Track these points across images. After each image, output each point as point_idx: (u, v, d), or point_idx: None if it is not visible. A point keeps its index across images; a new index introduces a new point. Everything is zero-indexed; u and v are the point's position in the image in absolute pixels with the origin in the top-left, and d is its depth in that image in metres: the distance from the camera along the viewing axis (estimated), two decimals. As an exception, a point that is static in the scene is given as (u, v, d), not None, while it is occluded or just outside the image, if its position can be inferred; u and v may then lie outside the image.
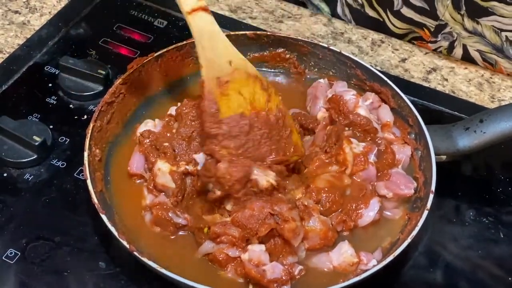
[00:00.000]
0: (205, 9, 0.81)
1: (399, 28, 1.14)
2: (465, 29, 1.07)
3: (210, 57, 0.81)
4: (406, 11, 1.10)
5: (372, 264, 0.79)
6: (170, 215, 0.82)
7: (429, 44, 1.13)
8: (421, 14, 1.09)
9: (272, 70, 1.02)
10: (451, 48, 1.11)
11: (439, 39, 1.11)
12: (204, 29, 0.81)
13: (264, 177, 0.81)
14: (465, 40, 1.09)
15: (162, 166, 0.84)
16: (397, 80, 1.04)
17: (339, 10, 1.16)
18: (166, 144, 0.86)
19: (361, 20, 1.16)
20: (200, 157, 0.84)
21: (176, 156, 0.85)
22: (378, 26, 1.15)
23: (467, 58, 1.12)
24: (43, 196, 0.87)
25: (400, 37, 1.15)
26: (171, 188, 0.84)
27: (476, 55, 1.11)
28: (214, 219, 0.81)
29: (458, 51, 1.11)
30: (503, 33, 1.05)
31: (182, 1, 0.80)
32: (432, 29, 1.10)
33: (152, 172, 0.85)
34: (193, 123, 0.87)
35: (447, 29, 1.09)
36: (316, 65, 1.01)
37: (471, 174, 0.96)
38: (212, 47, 0.81)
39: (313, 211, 0.82)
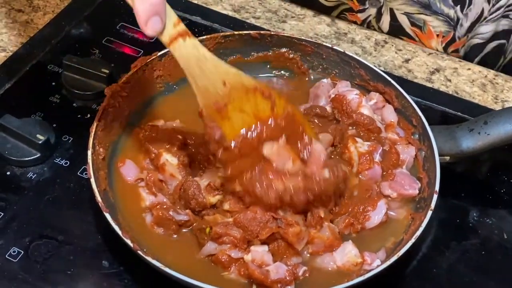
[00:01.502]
0: (184, 34, 0.75)
1: (329, 1, 1.14)
2: None
3: (203, 83, 0.77)
4: None
5: (376, 264, 0.79)
6: (171, 213, 0.82)
7: (359, 15, 1.14)
8: None
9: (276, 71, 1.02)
10: (379, 15, 1.12)
11: (366, 7, 1.12)
12: (189, 56, 0.76)
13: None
14: (392, 3, 1.10)
15: (169, 158, 0.85)
16: (400, 80, 1.04)
17: None
18: (179, 136, 0.87)
19: None
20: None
21: (181, 146, 0.86)
22: (310, 0, 1.15)
23: (395, 27, 1.13)
24: (47, 194, 0.87)
25: (331, 10, 1.15)
26: (177, 179, 0.84)
27: (403, 20, 1.11)
28: (216, 220, 0.81)
29: (385, 19, 1.12)
30: None
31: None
32: None
33: (156, 165, 0.85)
34: None
35: None
36: (319, 65, 1.01)
37: (475, 175, 0.96)
38: (203, 72, 0.76)
39: (325, 220, 0.81)
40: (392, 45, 1.13)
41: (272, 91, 0.80)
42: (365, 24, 1.15)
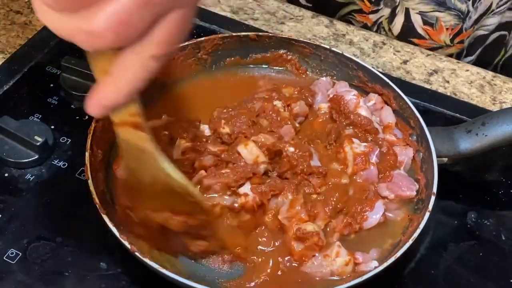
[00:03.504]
0: (136, 126, 0.67)
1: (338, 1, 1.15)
2: None
3: (132, 167, 0.74)
4: None
5: (373, 265, 0.79)
6: None
7: (370, 16, 1.14)
8: None
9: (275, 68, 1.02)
10: (392, 16, 1.12)
11: (380, 7, 1.12)
12: (130, 142, 0.70)
13: None
14: (408, 3, 1.10)
15: None
16: (398, 81, 1.04)
17: None
18: (165, 132, 0.87)
19: None
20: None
21: (168, 141, 0.87)
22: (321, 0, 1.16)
23: (407, 28, 1.12)
24: (45, 196, 0.87)
25: (340, 7, 1.15)
26: None
27: (417, 20, 1.11)
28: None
29: (399, 20, 1.12)
30: None
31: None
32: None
33: None
34: None
35: None
36: (318, 67, 1.01)
37: (473, 176, 0.96)
38: (138, 160, 0.71)
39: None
40: (390, 47, 1.13)
41: (209, 214, 0.77)
42: (376, 25, 1.15)
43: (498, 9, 1.08)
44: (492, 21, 1.09)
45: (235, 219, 0.81)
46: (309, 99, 0.94)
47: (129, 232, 0.78)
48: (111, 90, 0.62)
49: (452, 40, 1.13)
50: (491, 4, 1.07)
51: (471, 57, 1.16)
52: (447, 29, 1.11)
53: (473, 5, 1.07)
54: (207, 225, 0.78)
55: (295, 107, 0.92)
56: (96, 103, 0.63)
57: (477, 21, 1.10)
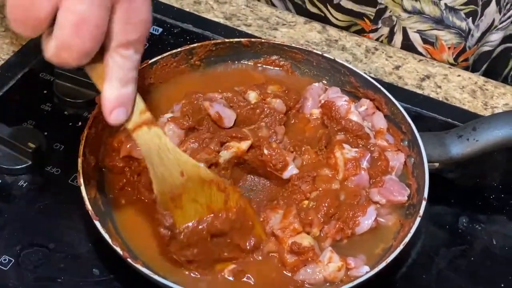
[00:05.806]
0: (148, 123, 0.73)
1: (341, 21, 1.15)
2: (405, 10, 1.09)
3: (161, 171, 0.76)
4: (346, 3, 1.12)
5: (365, 270, 0.80)
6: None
7: (370, 35, 1.14)
8: (360, 3, 1.11)
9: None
10: (391, 35, 1.12)
11: (379, 26, 1.12)
12: (151, 144, 0.74)
13: None
14: (405, 22, 1.10)
15: None
16: (390, 87, 1.05)
17: (277, 3, 1.20)
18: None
19: (304, 15, 1.18)
20: None
21: None
22: (321, 21, 1.16)
23: (407, 46, 1.13)
24: (38, 202, 0.87)
25: (343, 30, 1.16)
26: None
27: (416, 38, 1.12)
28: None
29: (398, 38, 1.13)
30: (442, 2, 1.07)
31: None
32: (372, 17, 1.11)
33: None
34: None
35: (387, 14, 1.10)
36: (310, 72, 1.01)
37: (464, 181, 0.96)
38: (162, 161, 0.75)
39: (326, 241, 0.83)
40: (383, 52, 1.14)
41: (227, 185, 0.80)
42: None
43: (501, 25, 1.08)
44: (496, 37, 1.10)
45: None
46: (290, 102, 0.94)
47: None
48: (111, 93, 0.68)
49: (455, 59, 1.13)
50: (493, 20, 1.07)
51: (477, 72, 1.16)
52: (449, 48, 1.12)
53: (473, 22, 1.07)
54: (244, 217, 0.80)
55: (274, 103, 0.92)
56: (109, 110, 0.69)
57: (480, 38, 1.10)
